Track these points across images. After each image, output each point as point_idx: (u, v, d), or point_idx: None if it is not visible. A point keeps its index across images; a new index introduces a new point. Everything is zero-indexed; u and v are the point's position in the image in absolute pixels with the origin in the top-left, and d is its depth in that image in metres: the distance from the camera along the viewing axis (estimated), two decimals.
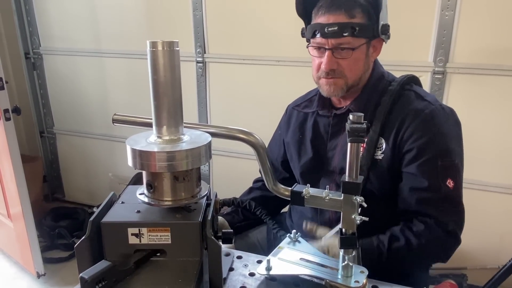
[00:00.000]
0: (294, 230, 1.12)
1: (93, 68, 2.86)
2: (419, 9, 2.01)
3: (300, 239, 1.10)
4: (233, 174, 2.60)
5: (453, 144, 1.17)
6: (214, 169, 2.72)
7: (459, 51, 2.00)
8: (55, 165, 3.25)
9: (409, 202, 1.16)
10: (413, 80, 1.28)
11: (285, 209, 1.57)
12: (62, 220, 2.90)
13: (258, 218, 1.44)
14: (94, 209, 2.79)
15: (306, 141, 1.36)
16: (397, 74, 1.32)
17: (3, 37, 3.01)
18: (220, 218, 1.45)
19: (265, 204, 1.43)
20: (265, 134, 1.61)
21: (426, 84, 2.07)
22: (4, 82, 1.98)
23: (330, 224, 1.28)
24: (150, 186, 0.78)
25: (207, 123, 2.61)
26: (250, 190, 1.55)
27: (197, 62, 2.49)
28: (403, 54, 2.04)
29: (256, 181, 1.58)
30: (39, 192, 3.07)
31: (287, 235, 1.12)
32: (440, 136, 1.16)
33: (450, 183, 1.13)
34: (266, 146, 1.55)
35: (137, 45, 2.62)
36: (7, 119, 2.05)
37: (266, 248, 1.47)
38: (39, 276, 2.33)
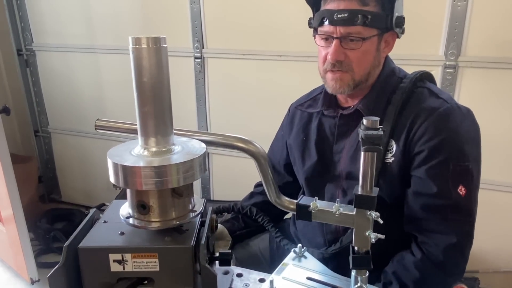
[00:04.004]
0: (299, 245, 1.02)
1: (88, 64, 2.76)
2: (429, 0, 1.89)
3: (306, 254, 1.01)
4: (234, 174, 2.50)
5: (468, 147, 1.06)
6: (213, 169, 2.62)
7: (472, 44, 1.89)
8: (50, 165, 3.16)
9: (414, 209, 1.07)
10: (426, 77, 1.18)
11: (289, 215, 1.47)
12: (58, 222, 2.82)
13: (259, 225, 1.36)
14: (91, 211, 2.68)
15: (311, 143, 1.26)
16: (406, 69, 1.22)
17: None
18: (219, 226, 1.35)
19: (267, 210, 1.34)
20: (267, 133, 1.52)
21: (436, 79, 1.92)
22: None
23: (337, 235, 1.19)
24: (143, 207, 0.68)
25: (206, 121, 2.51)
26: (251, 195, 1.46)
27: (195, 57, 2.39)
28: (412, 47, 1.93)
29: (257, 185, 1.49)
30: (34, 193, 2.98)
31: (292, 250, 1.02)
32: (454, 137, 1.05)
33: (461, 190, 1.03)
34: (268, 147, 1.49)
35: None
36: None
37: (269, 258, 1.38)
38: (33, 282, 2.25)
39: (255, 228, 1.41)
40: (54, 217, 2.84)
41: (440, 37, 1.92)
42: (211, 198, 2.69)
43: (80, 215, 2.85)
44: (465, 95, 1.96)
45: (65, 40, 2.75)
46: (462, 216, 1.04)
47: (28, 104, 3.01)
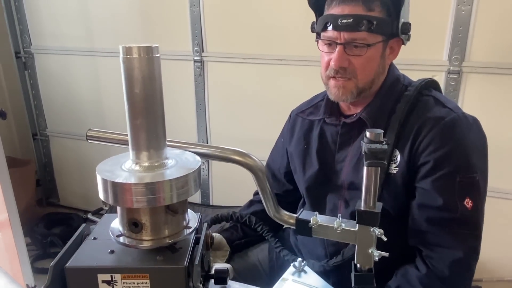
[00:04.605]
0: (299, 259, 0.98)
1: (87, 67, 2.73)
2: (433, 4, 1.86)
3: (306, 268, 0.97)
4: (234, 179, 2.46)
5: (475, 158, 1.03)
6: (213, 174, 2.59)
7: (476, 49, 1.85)
8: (49, 169, 3.13)
9: (419, 222, 1.04)
10: (432, 85, 1.15)
11: None
12: (55, 226, 2.78)
13: (259, 235, 1.32)
14: (89, 215, 2.60)
15: (312, 152, 1.22)
16: (409, 74, 1.19)
17: None
18: (217, 235, 1.32)
19: (266, 219, 1.30)
20: (268, 138, 1.49)
21: (440, 85, 1.92)
22: None
23: (338, 247, 1.15)
24: (135, 225, 0.64)
25: (206, 125, 2.47)
26: (250, 203, 1.43)
27: (195, 61, 2.35)
28: (415, 52, 1.89)
29: (256, 193, 1.45)
30: (32, 197, 2.94)
31: (292, 264, 0.98)
32: (461, 148, 1.02)
33: (468, 202, 1.00)
34: (267, 153, 1.45)
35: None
36: None
37: (268, 269, 1.34)
38: None
39: (254, 238, 1.37)
40: (51, 221, 2.81)
41: (444, 42, 1.89)
42: (211, 203, 2.65)
43: (78, 220, 2.81)
44: (469, 101, 1.92)
45: (63, 42, 2.72)
46: (469, 229, 1.01)
47: (26, 107, 2.98)
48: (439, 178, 1.00)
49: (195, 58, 2.35)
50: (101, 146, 3.00)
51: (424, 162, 1.02)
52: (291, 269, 0.98)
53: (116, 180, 0.60)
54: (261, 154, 0.85)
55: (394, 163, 1.05)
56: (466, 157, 1.01)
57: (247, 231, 1.36)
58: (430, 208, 1.01)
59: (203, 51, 2.33)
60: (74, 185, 3.09)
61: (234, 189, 2.46)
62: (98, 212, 2.80)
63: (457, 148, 1.00)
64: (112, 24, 2.54)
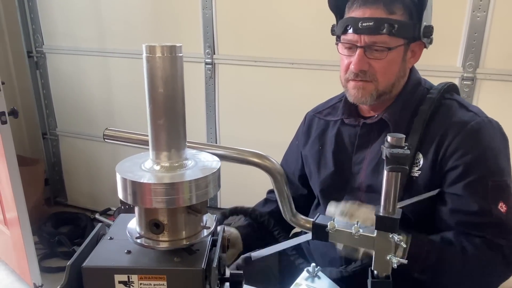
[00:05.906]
0: (313, 264, 0.97)
1: (98, 68, 2.75)
2: (448, 10, 1.84)
3: (320, 274, 0.96)
4: (243, 181, 2.45)
5: (503, 161, 1.02)
6: (222, 174, 2.58)
7: (491, 55, 1.84)
8: (57, 168, 3.14)
9: (452, 228, 1.02)
10: (453, 89, 1.14)
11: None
12: (63, 226, 2.79)
13: (273, 236, 1.30)
14: (97, 215, 2.60)
15: (327, 152, 1.21)
16: None
17: (5, 35, 2.89)
18: (235, 232, 1.28)
19: (280, 219, 1.29)
20: (277, 141, 1.48)
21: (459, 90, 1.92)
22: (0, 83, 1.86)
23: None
24: (156, 226, 0.64)
25: (215, 128, 2.47)
26: (265, 201, 1.40)
27: (206, 63, 2.36)
28: (428, 58, 1.84)
29: (270, 191, 1.43)
30: (40, 196, 2.95)
31: (305, 269, 0.97)
32: (490, 152, 1.01)
33: (502, 206, 0.98)
34: (278, 156, 1.43)
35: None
36: (3, 122, 1.92)
37: (278, 272, 1.33)
38: (36, 287, 2.21)
39: (268, 241, 1.36)
40: (59, 220, 2.82)
41: (458, 48, 1.88)
42: (218, 206, 2.64)
43: (85, 220, 2.82)
44: (482, 108, 1.88)
45: (75, 43, 2.74)
46: (503, 234, 0.98)
47: (37, 106, 3.00)
48: (471, 182, 0.98)
49: (206, 60, 2.35)
50: (110, 147, 2.99)
51: (453, 167, 1.00)
52: (304, 274, 0.96)
53: (135, 180, 0.60)
54: None
55: (417, 166, 1.04)
56: (495, 161, 1.00)
57: (264, 234, 1.34)
58: (463, 213, 0.99)
59: (214, 54, 2.33)
60: (82, 185, 3.10)
61: (242, 191, 2.45)
62: (106, 212, 2.81)
63: (486, 152, 1.00)
64: (124, 25, 2.56)
